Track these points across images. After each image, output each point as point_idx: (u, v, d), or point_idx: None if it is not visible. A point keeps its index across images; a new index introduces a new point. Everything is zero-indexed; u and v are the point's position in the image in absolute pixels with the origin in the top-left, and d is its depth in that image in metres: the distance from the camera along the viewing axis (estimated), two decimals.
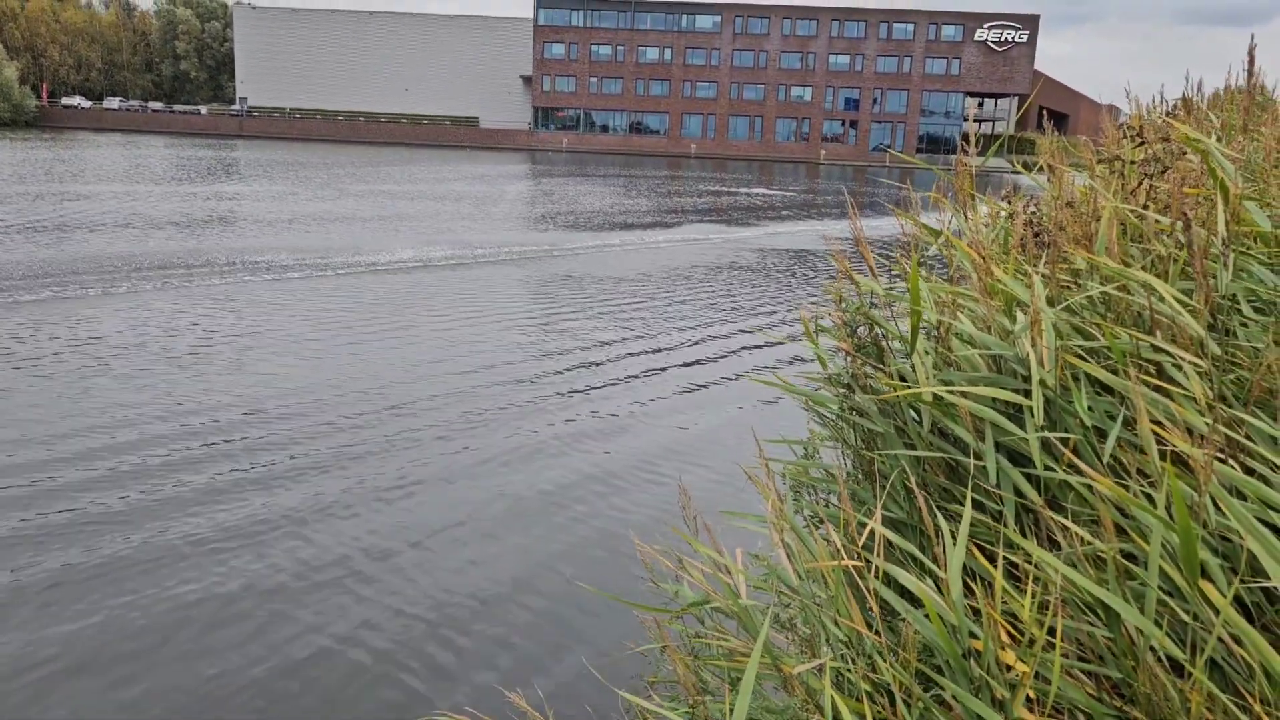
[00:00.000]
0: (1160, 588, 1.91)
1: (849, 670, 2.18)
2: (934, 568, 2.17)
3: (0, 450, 8.62)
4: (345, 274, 20.02)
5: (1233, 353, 2.67)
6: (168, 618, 5.82)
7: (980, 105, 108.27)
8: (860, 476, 3.20)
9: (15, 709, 4.89)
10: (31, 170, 45.78)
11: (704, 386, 12.26)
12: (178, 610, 5.91)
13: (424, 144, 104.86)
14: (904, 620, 2.16)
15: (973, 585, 2.18)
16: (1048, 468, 2.41)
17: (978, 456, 2.61)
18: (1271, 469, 2.12)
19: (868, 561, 2.50)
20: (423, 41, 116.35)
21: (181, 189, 39.18)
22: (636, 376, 12.54)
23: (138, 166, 52.67)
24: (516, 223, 32.99)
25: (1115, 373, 2.54)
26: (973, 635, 2.03)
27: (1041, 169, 4.62)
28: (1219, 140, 4.27)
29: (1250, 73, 3.68)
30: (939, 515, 2.30)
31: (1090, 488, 2.22)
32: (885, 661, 2.09)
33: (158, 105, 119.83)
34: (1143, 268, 3.25)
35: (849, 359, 3.60)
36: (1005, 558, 2.31)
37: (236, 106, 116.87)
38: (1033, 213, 3.82)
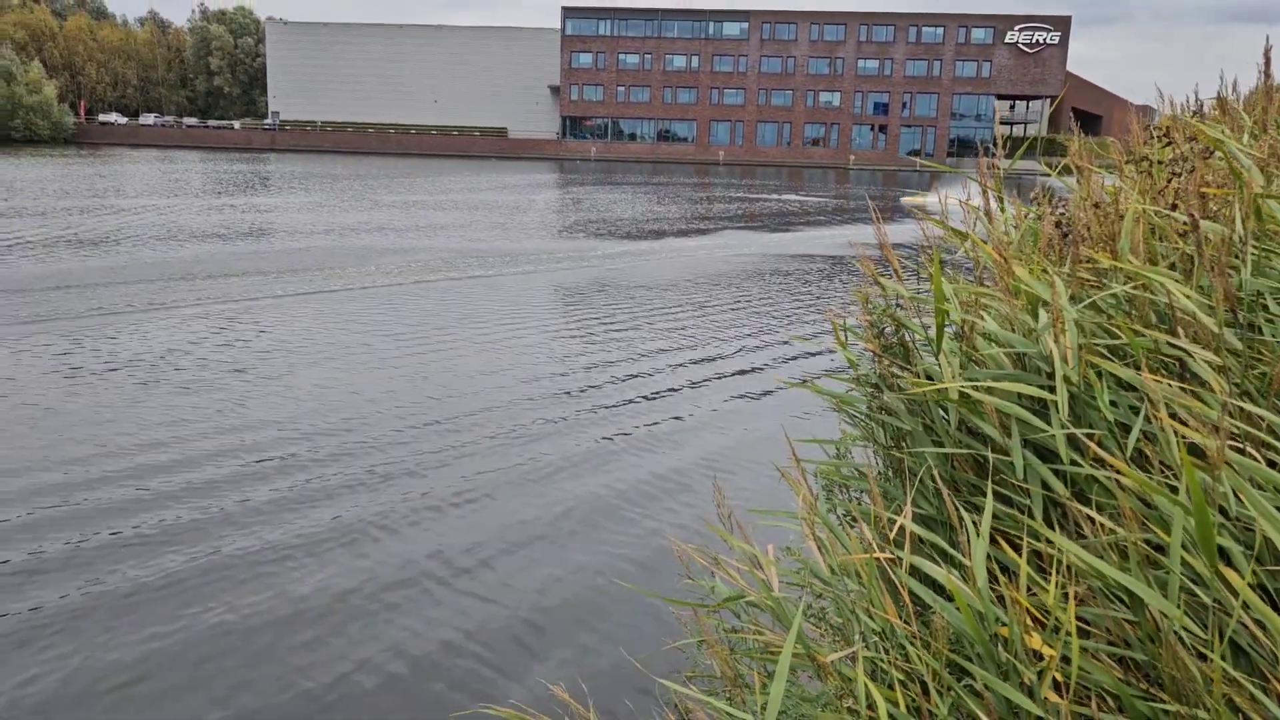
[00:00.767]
0: (1183, 575, 1.97)
1: (882, 660, 2.25)
2: (962, 559, 2.24)
3: (60, 467, 8.76)
4: (384, 285, 20.25)
5: (1258, 348, 2.71)
6: (240, 626, 5.96)
7: (1011, 108, 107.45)
8: (890, 474, 3.27)
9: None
10: (75, 185, 46.72)
11: (738, 391, 12.32)
12: (250, 620, 6.04)
13: (454, 155, 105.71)
14: (934, 612, 2.23)
15: (1001, 576, 2.24)
16: (1073, 462, 2.47)
17: (1004, 452, 2.67)
18: None
19: (898, 556, 2.57)
20: (451, 54, 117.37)
21: (219, 202, 39.82)
22: (670, 381, 12.63)
23: (176, 181, 53.58)
24: (548, 231, 33.21)
25: (1138, 370, 2.59)
26: (1000, 623, 2.09)
27: (1070, 170, 4.67)
28: (1252, 139, 4.30)
29: (1267, 73, 3.71)
30: (963, 509, 2.37)
31: (1115, 481, 2.28)
32: (917, 650, 2.16)
33: (192, 120, 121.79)
34: (1169, 266, 3.30)
35: (876, 359, 3.67)
36: (1033, 550, 2.37)
37: (269, 121, 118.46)
38: (1062, 214, 3.87)
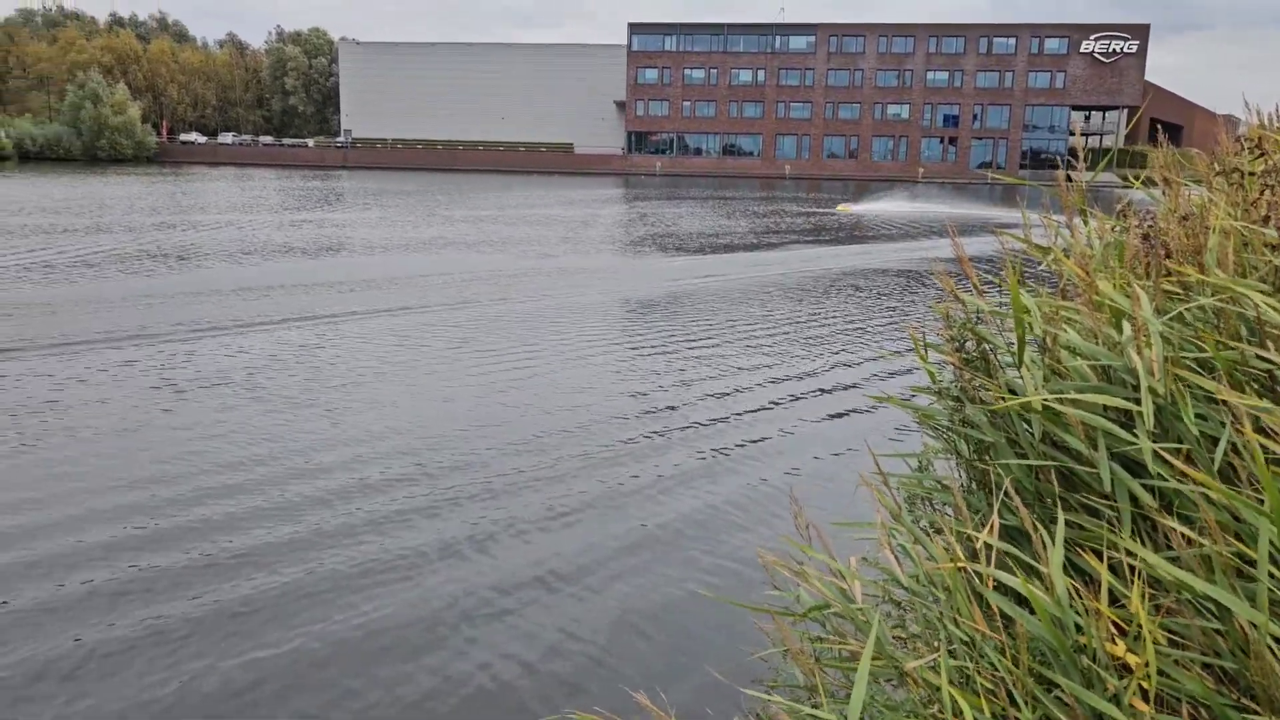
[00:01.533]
0: (1271, 587, 1.98)
1: (968, 668, 2.28)
2: (1041, 567, 2.27)
3: (170, 481, 9.01)
4: (463, 300, 20.59)
5: None
6: (342, 638, 6.14)
7: (1086, 119, 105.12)
8: (974, 487, 3.28)
9: None
10: (159, 202, 48.48)
11: (818, 405, 12.35)
12: (353, 631, 6.22)
13: (520, 171, 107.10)
14: (1015, 621, 2.26)
15: (1085, 589, 2.26)
16: (1160, 475, 2.48)
17: (1090, 464, 2.69)
18: None
19: (981, 571, 2.60)
20: (518, 71, 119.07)
21: (297, 217, 40.95)
22: (749, 396, 12.70)
23: (255, 198, 55.19)
24: (616, 246, 33.46)
25: (1231, 384, 2.59)
26: (1080, 631, 2.12)
27: (1153, 182, 4.62)
28: None
29: None
30: (1046, 521, 2.39)
31: (1202, 494, 2.29)
32: (1005, 659, 2.19)
33: (268, 139, 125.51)
34: (1261, 279, 3.27)
35: (958, 373, 3.69)
36: (1121, 565, 2.39)
37: (341, 138, 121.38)
38: (1149, 226, 3.84)
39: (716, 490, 9.07)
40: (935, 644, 2.45)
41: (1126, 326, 2.92)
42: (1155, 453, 2.53)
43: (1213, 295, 2.93)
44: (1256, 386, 2.63)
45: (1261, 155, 4.38)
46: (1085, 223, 4.08)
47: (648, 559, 7.49)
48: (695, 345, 16.04)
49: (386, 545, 7.55)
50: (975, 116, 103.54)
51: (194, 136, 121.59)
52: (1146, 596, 2.14)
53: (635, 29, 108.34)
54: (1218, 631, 2.06)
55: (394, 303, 19.68)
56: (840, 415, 11.92)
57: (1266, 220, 3.47)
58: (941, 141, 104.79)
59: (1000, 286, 4.28)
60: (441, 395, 12.31)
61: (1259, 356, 2.58)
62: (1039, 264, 3.77)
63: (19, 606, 6.55)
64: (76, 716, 5.36)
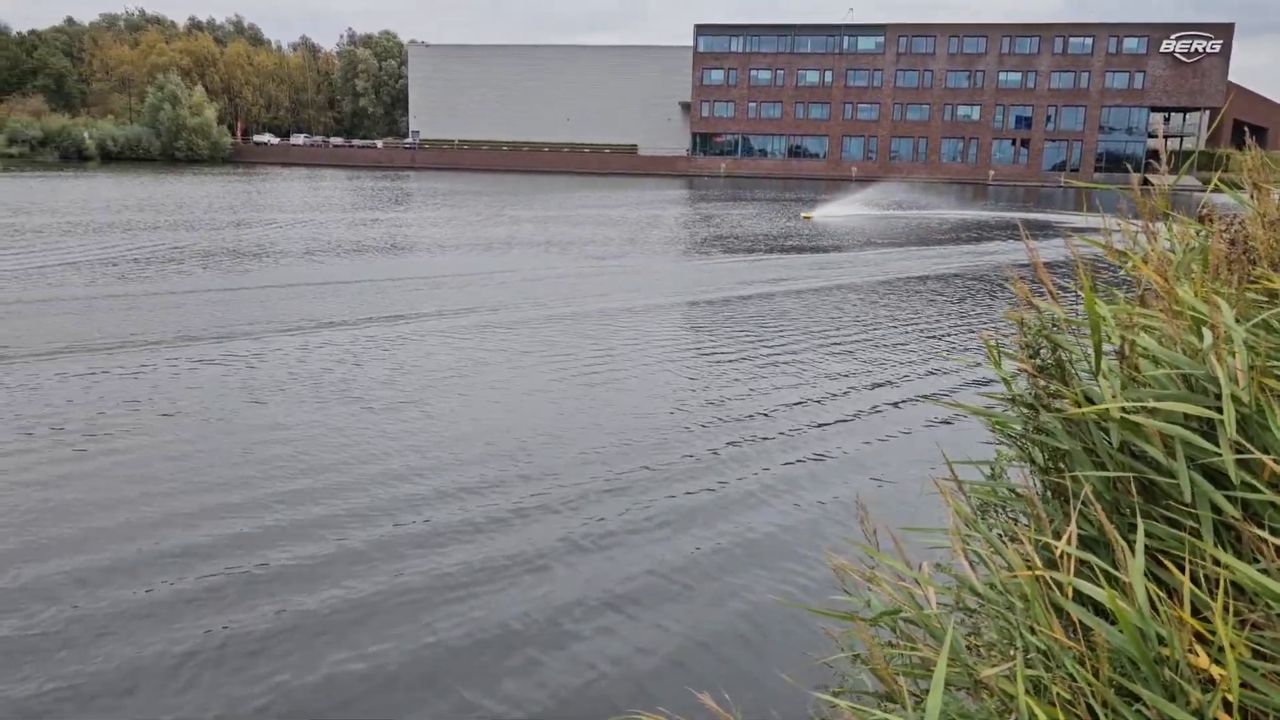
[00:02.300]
0: None
1: (1044, 678, 2.26)
2: (1122, 577, 2.24)
3: (262, 483, 9.09)
4: (531, 301, 20.80)
5: None
6: (420, 646, 6.18)
7: (1166, 120, 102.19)
8: (1049, 495, 3.24)
9: None
10: (238, 201, 49.87)
11: (889, 410, 12.23)
12: (432, 639, 6.26)
13: (585, 172, 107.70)
14: (1094, 632, 2.23)
15: (1165, 599, 2.23)
16: (1244, 484, 2.43)
17: (1169, 474, 2.64)
18: None
19: (1058, 579, 2.57)
20: (583, 72, 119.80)
21: (368, 216, 41.73)
22: (820, 400, 12.62)
23: (327, 198, 56.40)
24: (681, 247, 33.47)
25: None
26: (1162, 643, 2.09)
27: (1238, 186, 4.50)
28: None
29: None
30: (1124, 530, 2.35)
31: None
32: (1085, 669, 2.17)
33: (338, 140, 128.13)
34: None
35: (1032, 380, 3.64)
36: (1200, 576, 2.35)
37: (409, 139, 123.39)
38: (1237, 230, 3.75)
39: (783, 496, 9.04)
40: (1010, 652, 2.44)
41: (1207, 334, 2.87)
42: (1238, 463, 2.48)
43: None
44: None
45: None
46: (1166, 227, 4.00)
47: (719, 564, 7.49)
48: (761, 349, 15.98)
49: (470, 553, 7.56)
50: (1049, 118, 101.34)
51: (267, 137, 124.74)
52: (1230, 608, 2.10)
53: (701, 30, 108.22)
54: None
55: (465, 303, 19.90)
56: (910, 421, 11.78)
57: None
58: (1013, 144, 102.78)
59: (1076, 294, 4.22)
60: (515, 401, 12.26)
61: None
62: (1117, 270, 3.71)
63: (156, 598, 6.71)
64: (217, 703, 5.50)
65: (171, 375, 13.16)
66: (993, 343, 3.89)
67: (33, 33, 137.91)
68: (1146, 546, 2.39)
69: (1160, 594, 2.25)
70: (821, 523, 8.34)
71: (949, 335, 17.68)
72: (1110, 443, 2.97)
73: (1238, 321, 3.02)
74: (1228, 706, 1.96)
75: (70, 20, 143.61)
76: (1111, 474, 2.84)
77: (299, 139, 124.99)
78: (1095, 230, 4.01)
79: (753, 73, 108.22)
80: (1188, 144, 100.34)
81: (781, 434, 11.04)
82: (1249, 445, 2.55)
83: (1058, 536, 2.73)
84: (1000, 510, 3.55)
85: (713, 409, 12.01)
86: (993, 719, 2.32)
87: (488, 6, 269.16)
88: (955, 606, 3.11)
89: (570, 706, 5.48)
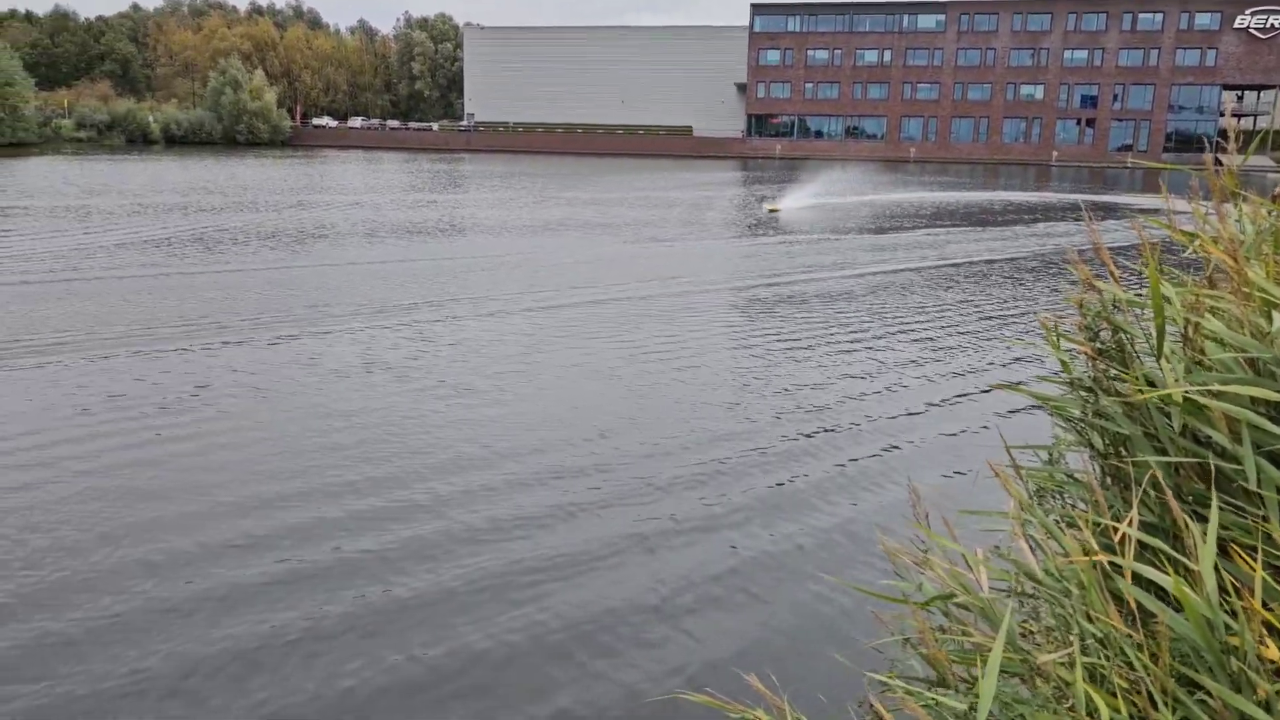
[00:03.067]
0: None
1: (1103, 666, 2.22)
2: (1190, 564, 2.18)
3: (297, 475, 9.02)
4: (591, 285, 20.84)
5: None
6: (483, 638, 6.10)
7: (1239, 99, 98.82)
8: (1109, 480, 3.17)
9: None
10: (298, 183, 50.67)
11: (943, 394, 12.07)
12: (504, 631, 6.18)
13: (639, 154, 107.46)
14: (1157, 620, 2.18)
15: (1232, 587, 2.16)
16: None
17: (1234, 460, 2.56)
18: None
19: (1115, 565, 2.51)
20: (638, 54, 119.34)
21: (424, 197, 42.13)
22: (876, 382, 12.51)
23: (386, 180, 57.06)
24: (736, 229, 33.28)
25: None
26: (1231, 633, 2.03)
27: None
28: None
29: None
30: (1187, 516, 2.29)
31: None
32: (1143, 658, 2.12)
33: (395, 123, 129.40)
34: None
35: (1091, 363, 3.56)
36: (1268, 563, 2.28)
37: (465, 122, 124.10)
38: None
39: (837, 479, 8.98)
40: (1068, 639, 2.39)
41: (1277, 316, 2.77)
42: None
43: None
44: None
45: None
46: (1236, 208, 3.87)
47: (770, 546, 7.46)
48: (819, 331, 15.84)
49: (541, 540, 7.46)
50: (1116, 97, 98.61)
51: (325, 121, 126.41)
52: None
53: (757, 10, 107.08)
54: None
55: (523, 286, 19.91)
56: (965, 404, 11.61)
57: None
58: (1078, 123, 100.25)
59: (1139, 275, 4.11)
60: (581, 387, 12.13)
61: None
62: (1183, 253, 3.60)
63: (231, 585, 6.70)
64: (308, 686, 5.53)
65: (236, 359, 13.33)
66: (1051, 325, 3.81)
67: (100, 19, 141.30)
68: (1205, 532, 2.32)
69: (1235, 583, 2.19)
70: (873, 506, 8.27)
71: (1003, 319, 17.36)
72: (1173, 427, 2.89)
73: None
74: None
75: (136, 6, 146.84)
76: (1174, 459, 2.77)
77: (356, 122, 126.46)
78: (1161, 211, 3.90)
79: (810, 53, 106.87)
80: (1262, 123, 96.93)
81: (837, 416, 10.95)
82: None
83: (1117, 523, 2.66)
84: (1057, 496, 3.48)
85: (771, 391, 11.94)
86: (1049, 705, 2.27)
87: None
88: (1009, 592, 3.06)
89: (618, 688, 5.51)
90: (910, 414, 11.16)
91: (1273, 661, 1.91)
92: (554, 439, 9.98)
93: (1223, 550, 2.41)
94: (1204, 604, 2.04)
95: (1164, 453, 2.89)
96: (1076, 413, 3.33)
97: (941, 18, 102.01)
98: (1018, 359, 13.98)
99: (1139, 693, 2.12)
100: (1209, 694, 2.02)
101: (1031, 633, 2.89)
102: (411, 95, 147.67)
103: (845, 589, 6.43)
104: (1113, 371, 3.31)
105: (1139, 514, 2.81)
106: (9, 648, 5.87)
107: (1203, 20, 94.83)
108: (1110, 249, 3.67)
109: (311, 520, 7.85)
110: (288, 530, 7.64)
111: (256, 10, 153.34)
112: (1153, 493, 2.78)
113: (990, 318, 17.43)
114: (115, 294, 17.91)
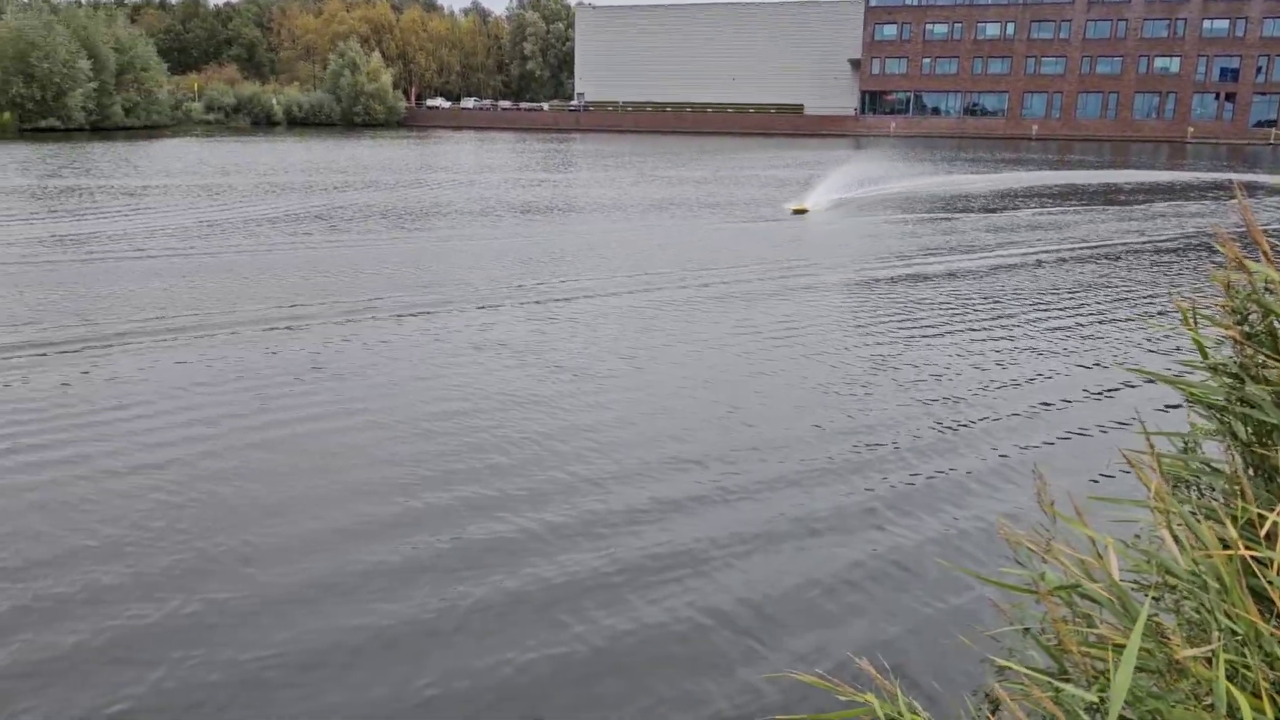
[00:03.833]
0: None
1: (1245, 665, 2.10)
2: None
3: (413, 462, 8.80)
4: (701, 270, 20.78)
5: None
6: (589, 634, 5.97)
7: None
8: (1252, 472, 3.00)
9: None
10: (415, 162, 52.04)
11: (1072, 377, 11.68)
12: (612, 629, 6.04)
13: (749, 132, 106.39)
14: None
15: None
16: None
17: None
18: None
19: (1258, 559, 2.37)
20: (750, 30, 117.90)
21: (535, 177, 42.66)
22: (1004, 366, 12.17)
23: (497, 160, 58.02)
24: (845, 208, 32.66)
25: None
26: None
27: None
28: None
29: None
30: None
31: None
32: None
33: (506, 103, 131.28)
34: None
35: (1238, 348, 3.36)
36: None
37: (575, 102, 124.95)
38: None
39: (958, 458, 8.78)
40: (1204, 635, 2.27)
41: None
42: None
43: None
44: None
45: None
46: None
47: (882, 526, 7.34)
48: (943, 315, 15.45)
49: (669, 532, 7.29)
50: (1259, 69, 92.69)
51: (439, 102, 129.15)
52: None
53: None
54: None
55: (639, 266, 19.83)
56: (1095, 389, 11.16)
57: None
58: (1217, 98, 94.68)
59: None
60: (701, 375, 11.75)
61: None
62: None
63: (352, 572, 6.67)
64: (474, 665, 5.54)
65: (359, 337, 13.52)
66: (1187, 309, 3.62)
67: (228, 4, 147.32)
68: None
69: None
70: (996, 493, 8.03)
71: (1132, 301, 16.59)
72: None
73: None
74: None
75: None
76: None
77: (468, 103, 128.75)
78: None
79: (928, 27, 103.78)
80: None
81: (963, 402, 10.61)
82: None
83: (1262, 516, 2.51)
84: (1192, 486, 3.31)
85: (897, 378, 11.60)
86: (1187, 703, 2.16)
87: None
88: (1140, 584, 2.92)
89: (719, 664, 5.50)
90: (1038, 400, 10.76)
91: None
92: (674, 427, 9.79)
93: None
94: None
95: None
96: (1220, 400, 3.15)
97: None
98: (1148, 345, 13.36)
99: None
100: None
101: (1161, 627, 2.76)
102: (523, 75, 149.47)
103: (965, 577, 6.26)
104: (1261, 358, 3.12)
105: None
106: (129, 629, 5.92)
107: None
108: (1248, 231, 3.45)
109: (436, 505, 7.76)
110: (411, 515, 7.55)
111: None
112: None
113: (1121, 300, 16.69)
114: (244, 270, 18.69)
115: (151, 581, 6.48)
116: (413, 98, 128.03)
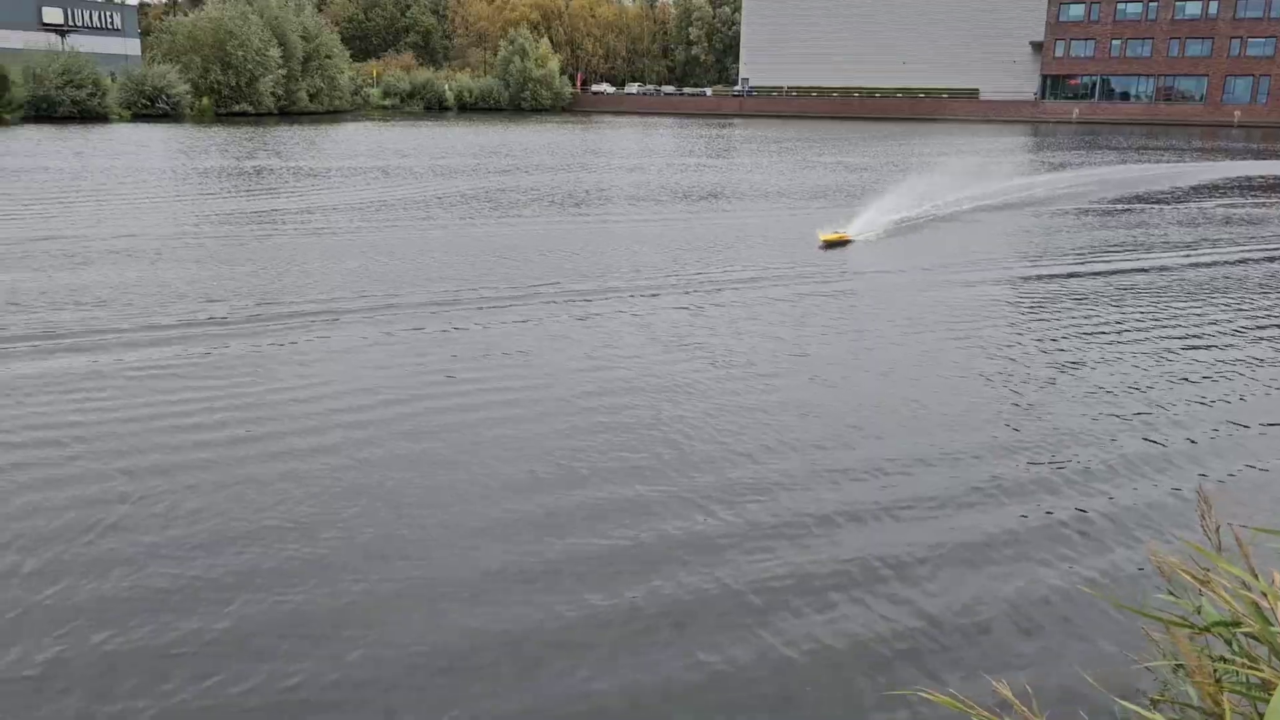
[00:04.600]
0: None
1: None
2: None
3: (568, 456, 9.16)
4: (866, 264, 20.29)
5: None
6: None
7: None
8: None
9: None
10: (579, 147, 53.07)
11: (1249, 397, 10.68)
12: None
13: (919, 118, 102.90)
14: None
15: None
16: None
17: None
18: None
19: None
20: (922, 12, 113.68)
21: (697, 161, 42.64)
22: (1166, 375, 11.34)
23: (659, 145, 58.29)
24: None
25: None
26: None
27: None
28: None
29: None
30: None
31: None
32: None
33: (670, 89, 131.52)
34: None
35: None
36: None
37: (739, 87, 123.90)
38: None
39: (1116, 479, 8.16)
40: None
41: None
42: None
43: None
44: None
45: None
46: None
47: (1031, 548, 6.93)
48: (1130, 321, 14.44)
49: (823, 544, 7.05)
50: None
51: (604, 87, 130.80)
52: None
53: None
54: None
55: (799, 256, 19.38)
56: (1273, 409, 10.22)
57: None
58: None
59: None
60: (863, 377, 11.26)
61: None
62: None
63: (539, 562, 6.69)
64: (610, 676, 5.47)
65: (528, 322, 13.59)
66: None
67: None
68: None
69: None
70: (1152, 513, 7.44)
71: None
72: None
73: None
74: None
75: None
76: None
77: (633, 88, 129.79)
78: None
79: (1119, 6, 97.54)
80: None
81: (1142, 416, 9.88)
82: None
83: None
84: None
85: (1073, 390, 10.89)
86: None
87: None
88: None
89: (850, 679, 5.34)
90: (1206, 417, 9.87)
91: None
92: (841, 427, 9.44)
93: None
94: None
95: None
96: None
97: None
98: None
99: None
100: None
101: None
102: (688, 61, 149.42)
103: (1112, 602, 5.84)
104: None
105: None
106: (299, 610, 6.08)
107: None
108: None
109: (605, 499, 7.69)
110: (582, 508, 7.49)
111: None
112: None
113: None
114: (409, 252, 19.42)
115: (327, 563, 6.61)
116: (579, 83, 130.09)
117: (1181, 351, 12.32)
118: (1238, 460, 8.63)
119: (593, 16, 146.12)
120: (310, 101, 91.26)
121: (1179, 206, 28.78)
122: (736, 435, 9.15)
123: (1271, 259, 19.59)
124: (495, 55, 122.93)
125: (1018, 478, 8.18)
